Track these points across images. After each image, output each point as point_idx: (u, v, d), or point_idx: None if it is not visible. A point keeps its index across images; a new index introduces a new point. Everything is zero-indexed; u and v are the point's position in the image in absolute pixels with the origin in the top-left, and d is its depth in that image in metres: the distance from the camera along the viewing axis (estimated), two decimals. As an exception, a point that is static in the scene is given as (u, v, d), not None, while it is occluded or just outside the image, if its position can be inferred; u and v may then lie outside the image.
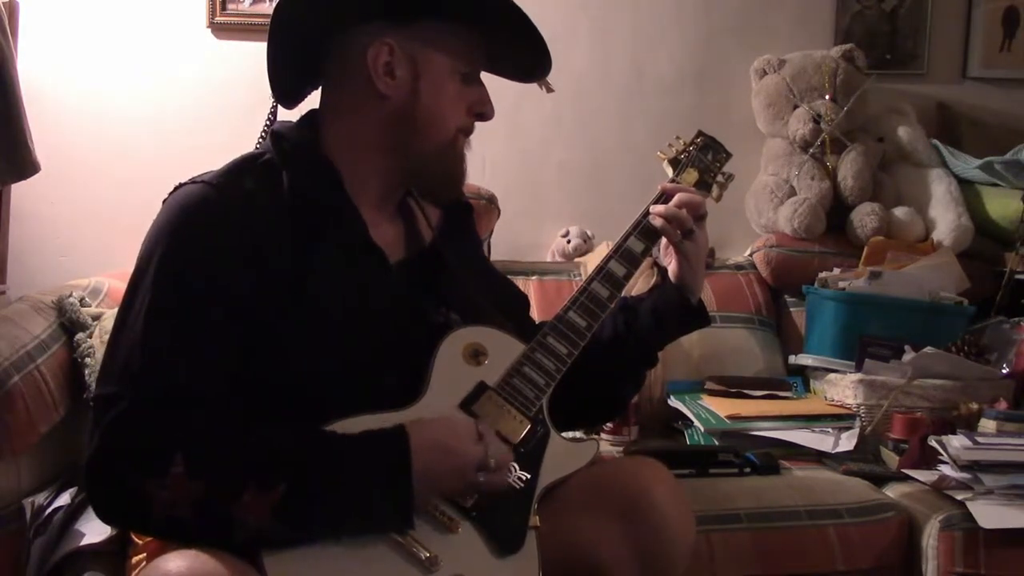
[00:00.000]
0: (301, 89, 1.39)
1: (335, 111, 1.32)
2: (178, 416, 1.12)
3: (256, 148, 1.35)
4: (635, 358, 1.49)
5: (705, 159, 1.52)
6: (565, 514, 1.29)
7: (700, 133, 1.55)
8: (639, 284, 2.30)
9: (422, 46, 1.28)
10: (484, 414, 1.25)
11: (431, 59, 1.29)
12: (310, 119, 1.35)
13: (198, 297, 1.17)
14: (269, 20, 2.54)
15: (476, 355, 1.30)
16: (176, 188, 1.26)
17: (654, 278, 2.39)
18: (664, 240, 1.42)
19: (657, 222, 1.40)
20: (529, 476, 1.26)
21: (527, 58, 1.37)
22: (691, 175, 1.50)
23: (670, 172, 1.51)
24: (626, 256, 1.41)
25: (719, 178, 1.53)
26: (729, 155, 1.55)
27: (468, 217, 1.55)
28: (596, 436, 2.08)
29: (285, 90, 1.38)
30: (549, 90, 1.37)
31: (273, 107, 1.40)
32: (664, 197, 1.43)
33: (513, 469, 1.24)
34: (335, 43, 1.31)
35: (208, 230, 1.20)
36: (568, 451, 1.32)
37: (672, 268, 1.45)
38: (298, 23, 1.30)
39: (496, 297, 1.47)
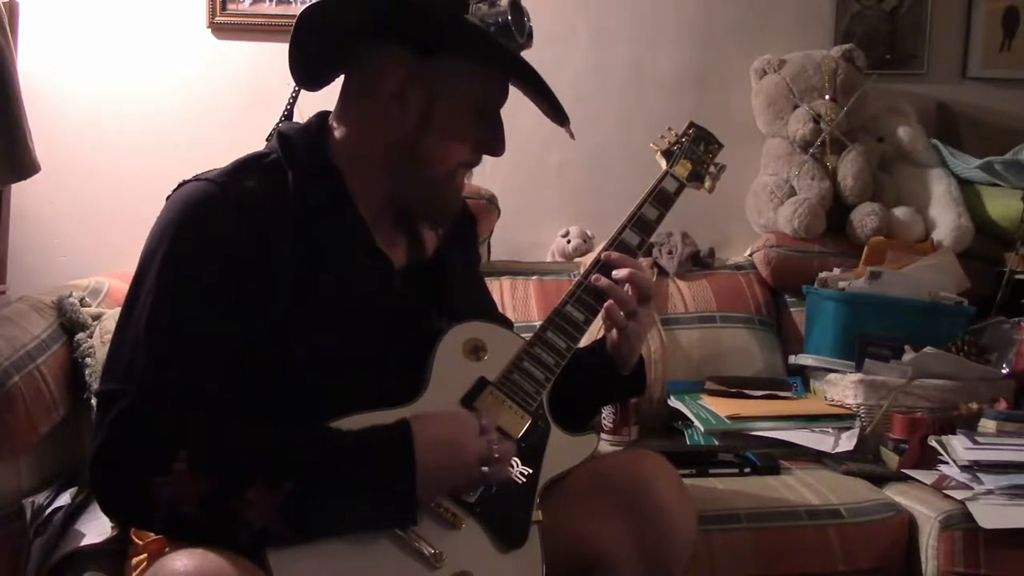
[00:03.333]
0: (326, 74, 1.37)
1: (344, 119, 1.32)
2: (182, 413, 1.12)
3: (266, 145, 1.34)
4: (577, 404, 1.46)
5: (698, 150, 1.52)
6: (567, 508, 1.30)
7: (692, 124, 1.55)
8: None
9: (440, 80, 1.26)
10: (485, 409, 1.26)
11: (447, 94, 1.27)
12: (319, 121, 1.34)
13: (201, 294, 1.17)
14: (270, 20, 2.57)
15: (476, 350, 1.31)
16: (180, 185, 1.26)
17: (653, 279, 2.39)
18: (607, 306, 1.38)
19: (605, 305, 1.36)
20: (531, 471, 1.27)
21: (545, 108, 1.35)
22: (684, 166, 1.50)
23: (663, 164, 1.51)
24: (623, 250, 1.41)
25: (711, 169, 1.53)
26: (721, 146, 1.55)
27: (472, 229, 1.56)
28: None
29: (308, 74, 1.36)
30: (571, 136, 1.38)
31: (294, 92, 1.39)
32: (603, 266, 1.39)
33: (515, 463, 1.24)
34: (359, 53, 1.30)
35: (211, 227, 1.20)
36: (569, 445, 1.33)
37: (610, 339, 1.42)
38: (325, 27, 1.28)
39: (490, 312, 1.50)
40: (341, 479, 1.12)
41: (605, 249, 1.42)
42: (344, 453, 1.14)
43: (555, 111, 1.33)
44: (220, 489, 1.09)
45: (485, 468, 1.19)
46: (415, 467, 1.14)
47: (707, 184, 1.53)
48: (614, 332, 1.40)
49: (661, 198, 1.47)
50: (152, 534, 1.21)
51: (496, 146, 1.34)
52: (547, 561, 1.24)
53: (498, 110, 1.34)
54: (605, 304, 1.37)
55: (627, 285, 1.38)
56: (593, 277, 1.38)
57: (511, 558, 1.22)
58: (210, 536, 1.08)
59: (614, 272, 1.38)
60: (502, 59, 1.27)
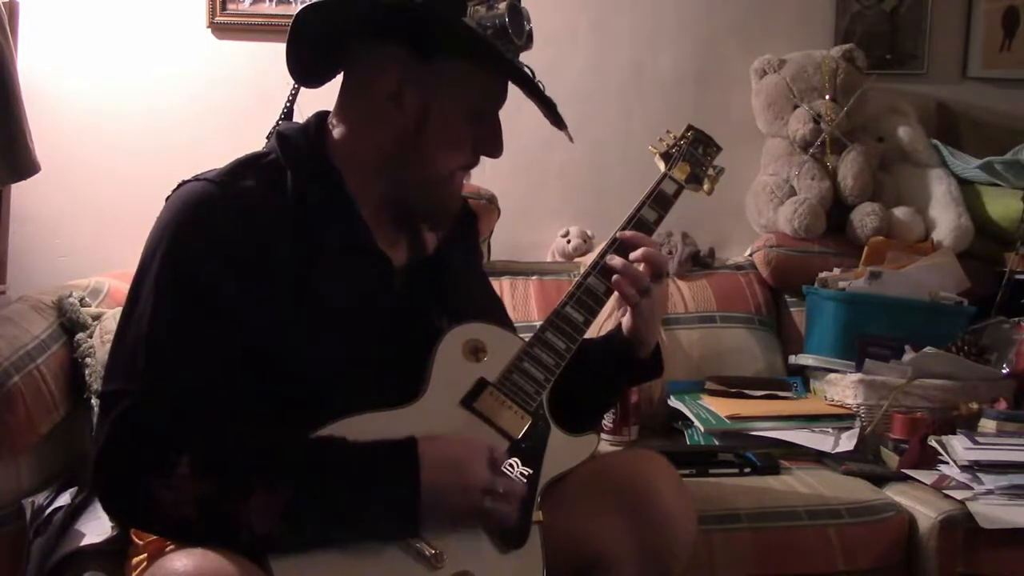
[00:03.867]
0: (325, 72, 1.36)
1: (342, 118, 1.32)
2: (183, 414, 1.12)
3: (265, 145, 1.34)
4: (591, 397, 1.47)
5: (696, 153, 1.53)
6: (568, 508, 1.30)
7: (690, 127, 1.55)
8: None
9: (437, 81, 1.26)
10: (485, 410, 1.26)
11: (444, 96, 1.27)
12: (317, 120, 1.34)
13: (200, 294, 1.17)
14: (270, 20, 2.57)
15: (476, 351, 1.31)
16: (179, 185, 1.26)
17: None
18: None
19: (613, 279, 1.36)
20: (531, 471, 1.27)
21: (543, 111, 1.35)
22: (683, 169, 1.50)
23: (662, 166, 1.51)
24: (621, 251, 1.41)
25: (710, 171, 1.53)
26: (719, 148, 1.55)
27: (472, 227, 1.55)
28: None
29: (306, 72, 1.36)
30: (571, 140, 1.38)
31: (293, 90, 1.39)
32: (619, 245, 1.40)
33: (518, 472, 1.24)
34: (356, 52, 1.30)
35: (210, 227, 1.20)
36: (569, 445, 1.33)
37: (625, 322, 1.42)
38: (322, 26, 1.28)
39: (493, 309, 1.50)
40: (343, 490, 1.12)
41: (604, 250, 1.41)
42: (348, 463, 1.13)
43: (552, 115, 1.32)
44: (222, 491, 1.09)
45: (488, 500, 1.17)
46: (419, 483, 1.13)
47: (706, 186, 1.53)
48: (628, 315, 1.40)
49: (660, 200, 1.47)
50: (153, 534, 1.21)
51: (494, 148, 1.33)
52: (547, 561, 1.24)
53: (496, 112, 1.34)
54: (614, 280, 1.36)
55: (641, 263, 1.38)
56: (608, 257, 1.38)
57: (511, 558, 1.22)
58: (211, 538, 1.08)
59: (631, 254, 1.38)
60: (498, 62, 1.26)
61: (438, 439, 1.18)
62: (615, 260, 1.38)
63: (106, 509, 1.17)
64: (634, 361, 1.44)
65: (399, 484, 1.14)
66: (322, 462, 1.13)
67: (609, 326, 1.50)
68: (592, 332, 1.40)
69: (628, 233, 1.41)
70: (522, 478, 1.25)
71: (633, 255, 1.38)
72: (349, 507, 1.12)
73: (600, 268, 1.38)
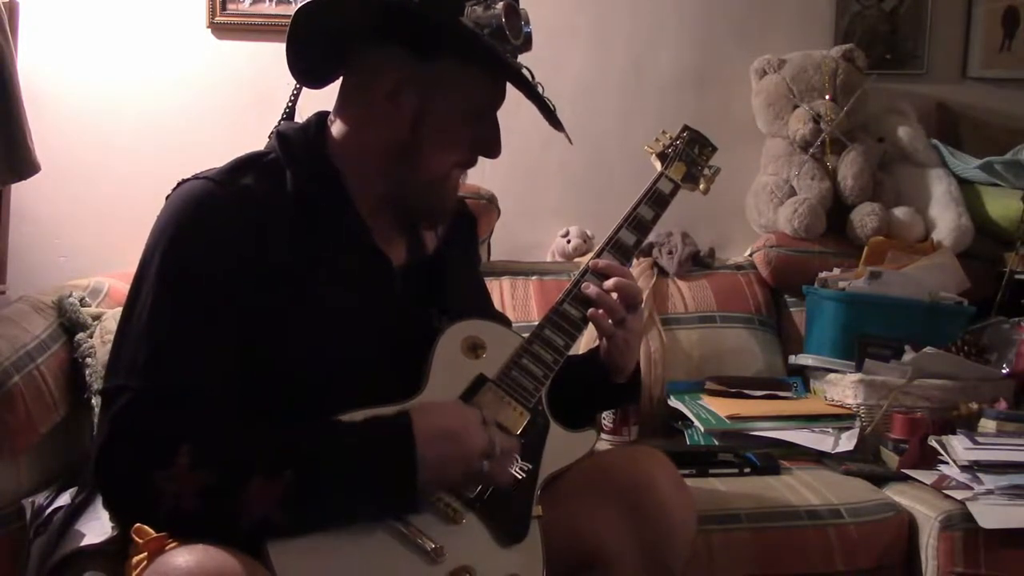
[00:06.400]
0: (326, 73, 1.37)
1: (342, 118, 1.32)
2: (183, 408, 1.13)
3: (266, 144, 1.35)
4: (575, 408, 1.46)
5: (692, 153, 1.54)
6: (567, 503, 1.30)
7: (686, 127, 1.56)
8: (640, 281, 2.31)
9: (436, 82, 1.27)
10: (484, 406, 1.26)
11: (442, 96, 1.27)
12: (318, 120, 1.35)
13: (201, 291, 1.18)
14: (270, 20, 2.57)
15: (475, 348, 1.32)
16: (179, 184, 1.26)
17: (653, 279, 2.40)
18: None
19: (589, 312, 1.36)
20: (531, 466, 1.27)
21: (542, 113, 1.34)
22: (679, 168, 1.52)
23: (658, 166, 1.53)
24: (619, 249, 1.42)
25: (706, 171, 1.54)
26: (715, 148, 1.56)
27: (472, 230, 1.56)
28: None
29: (307, 72, 1.36)
30: (570, 142, 1.38)
31: (296, 90, 1.40)
32: (591, 273, 1.40)
33: (516, 460, 1.24)
34: (356, 52, 1.30)
35: (210, 225, 1.20)
36: (568, 441, 1.34)
37: (602, 348, 1.42)
38: (321, 26, 1.28)
39: (488, 313, 1.50)
40: (341, 468, 1.13)
41: (602, 248, 1.42)
42: (345, 443, 1.14)
43: (549, 117, 1.32)
44: (222, 482, 1.09)
45: (485, 463, 1.19)
46: (415, 456, 1.14)
47: (701, 186, 1.54)
48: (605, 340, 1.40)
49: (656, 199, 1.48)
50: (152, 532, 1.21)
51: (491, 148, 1.33)
52: (547, 556, 1.25)
53: (494, 112, 1.34)
54: (589, 312, 1.37)
55: (615, 293, 1.38)
56: (583, 285, 1.38)
57: (512, 553, 1.22)
58: (212, 528, 1.09)
59: (605, 283, 1.38)
60: (494, 63, 1.26)
61: (431, 411, 1.19)
62: (590, 289, 1.38)
63: (107, 504, 1.18)
64: (610, 386, 1.45)
65: (397, 461, 1.15)
66: (319, 443, 1.14)
67: None
68: (588, 333, 1.40)
69: (601, 263, 1.40)
70: (522, 473, 1.26)
71: (605, 284, 1.38)
72: (349, 487, 1.13)
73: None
